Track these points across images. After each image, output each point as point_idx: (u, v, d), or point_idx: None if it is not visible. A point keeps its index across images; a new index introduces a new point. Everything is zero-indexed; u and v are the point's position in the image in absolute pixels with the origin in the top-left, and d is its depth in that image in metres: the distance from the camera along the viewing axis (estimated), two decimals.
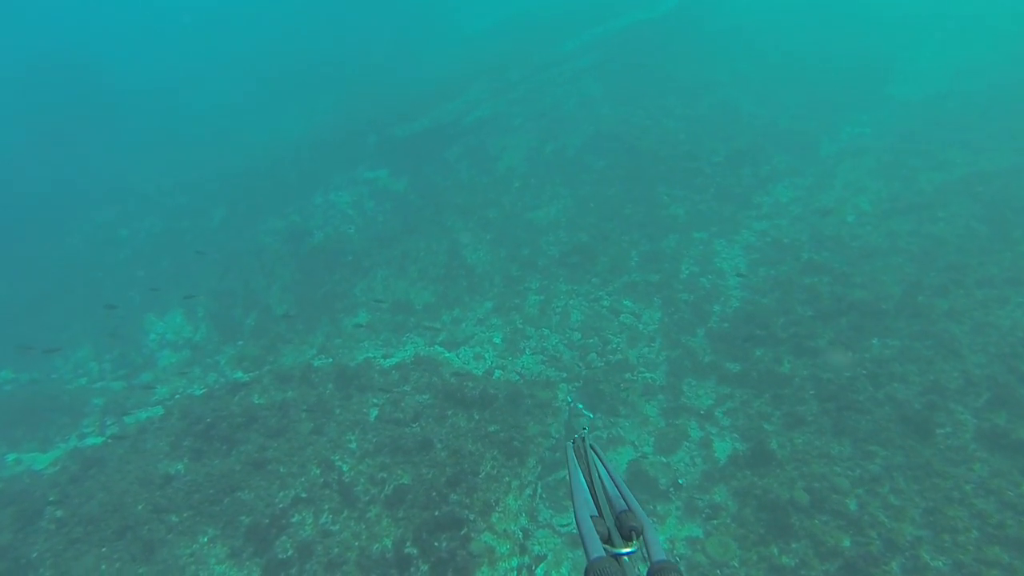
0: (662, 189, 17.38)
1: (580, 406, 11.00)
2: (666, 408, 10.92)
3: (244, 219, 20.96)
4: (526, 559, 8.51)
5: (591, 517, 2.69)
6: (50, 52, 37.76)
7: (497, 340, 13.07)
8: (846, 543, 7.87)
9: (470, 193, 19.32)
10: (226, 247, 19.39)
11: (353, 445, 10.15)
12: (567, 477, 3.70)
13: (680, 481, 9.45)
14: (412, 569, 7.98)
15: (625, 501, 2.90)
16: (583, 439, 3.46)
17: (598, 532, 2.58)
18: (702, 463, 9.75)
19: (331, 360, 13.09)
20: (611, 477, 3.19)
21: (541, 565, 8.45)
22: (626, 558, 2.51)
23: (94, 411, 13.02)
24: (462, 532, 8.41)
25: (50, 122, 30.72)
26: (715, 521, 8.75)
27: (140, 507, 9.29)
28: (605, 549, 2.48)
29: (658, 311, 13.26)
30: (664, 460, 9.84)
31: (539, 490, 9.51)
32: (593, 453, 3.36)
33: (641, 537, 2.57)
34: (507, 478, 9.35)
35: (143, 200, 23.10)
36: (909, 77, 21.95)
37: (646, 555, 2.49)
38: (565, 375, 11.72)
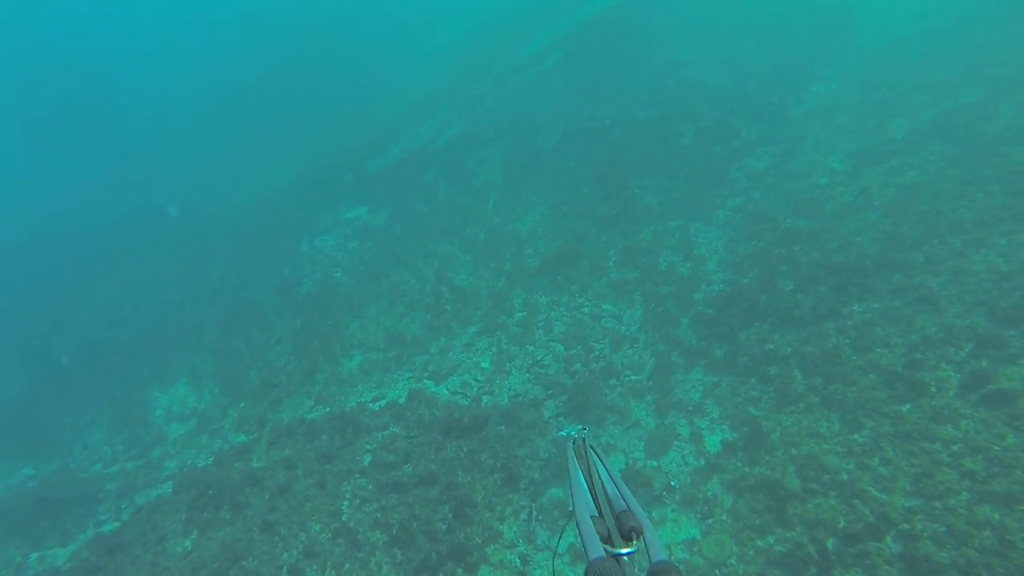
0: (634, 181, 17.27)
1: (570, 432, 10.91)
2: (655, 407, 10.85)
3: (240, 277, 21.33)
4: None
5: (591, 517, 2.72)
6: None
7: (484, 364, 13.11)
8: (841, 523, 7.75)
9: (450, 215, 19.44)
10: (226, 308, 19.77)
11: (349, 493, 10.27)
12: (567, 478, 3.71)
13: (673, 483, 9.38)
14: None
15: (625, 501, 2.94)
16: (583, 439, 3.50)
17: (598, 532, 2.62)
18: (693, 460, 9.66)
19: (327, 409, 13.26)
20: (611, 477, 3.24)
21: None
22: (626, 558, 2.54)
23: (108, 496, 13.35)
24: (459, 569, 8.47)
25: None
26: (711, 520, 8.68)
27: None
28: (605, 549, 2.50)
29: (639, 309, 13.18)
30: (655, 464, 9.78)
31: (534, 512, 9.52)
32: (593, 453, 3.41)
33: (641, 537, 2.59)
34: (499, 506, 9.40)
35: (142, 271, 23.69)
36: (872, 24, 21.46)
37: (647, 555, 2.52)
38: (551, 391, 11.71)
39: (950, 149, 13.21)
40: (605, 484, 3.10)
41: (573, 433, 3.55)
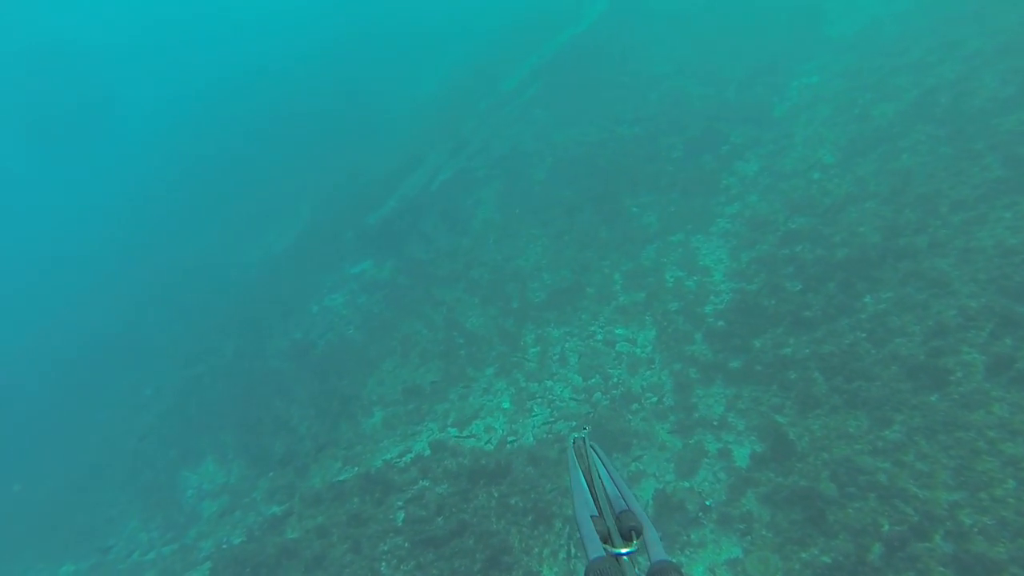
0: (629, 201, 17.39)
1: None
2: (679, 427, 10.71)
3: (254, 346, 21.50)
4: None
5: (591, 517, 2.70)
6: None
7: (506, 405, 13.05)
8: (884, 526, 7.55)
9: (452, 259, 19.59)
10: (242, 379, 19.91)
11: (387, 555, 10.17)
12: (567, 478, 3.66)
13: (708, 503, 9.21)
14: None
15: (625, 501, 2.90)
16: (583, 439, 3.46)
17: (598, 532, 2.59)
18: (725, 476, 9.50)
19: (356, 469, 13.21)
20: (611, 477, 3.18)
21: None
22: (626, 558, 2.50)
23: None
24: None
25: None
26: (750, 536, 8.49)
27: None
28: (605, 549, 2.48)
29: (652, 329, 13.11)
30: (687, 485, 9.61)
31: (572, 550, 9.36)
32: (593, 453, 3.36)
33: (641, 537, 2.57)
34: (537, 548, 9.26)
35: (158, 354, 23.99)
36: (842, 13, 21.68)
37: (646, 555, 2.50)
38: (574, 424, 11.61)
39: (938, 128, 13.19)
40: (605, 484, 3.06)
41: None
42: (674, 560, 2.37)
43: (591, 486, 3.06)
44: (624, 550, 2.53)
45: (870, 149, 13.97)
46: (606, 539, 2.60)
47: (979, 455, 7.52)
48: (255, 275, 25.58)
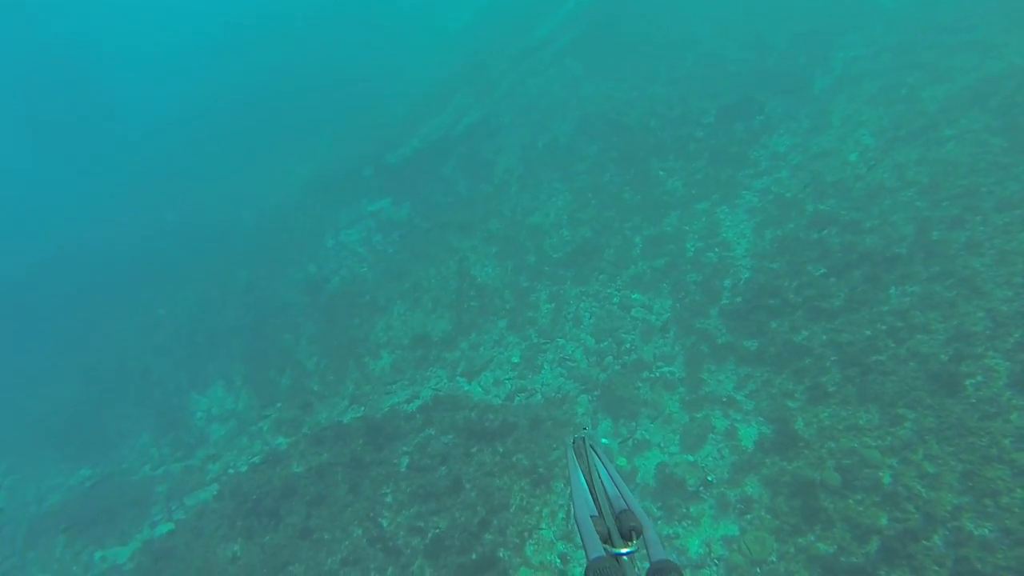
0: (656, 164, 16.95)
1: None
2: (688, 401, 10.74)
3: (267, 277, 21.58)
4: None
5: (591, 517, 2.74)
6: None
7: (515, 359, 13.12)
8: (883, 521, 7.62)
9: (470, 206, 19.36)
10: (254, 309, 20.08)
11: (389, 499, 10.45)
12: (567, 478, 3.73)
13: (709, 478, 9.32)
14: None
15: (625, 501, 2.94)
16: (583, 439, 3.49)
17: (598, 532, 2.63)
18: (730, 455, 9.57)
19: (362, 410, 13.44)
20: (611, 477, 3.22)
21: None
22: (626, 558, 2.55)
23: (159, 499, 13.85)
24: (500, 572, 8.58)
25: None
26: (749, 516, 8.62)
27: None
28: (605, 549, 2.52)
29: (668, 298, 13.00)
30: (691, 458, 9.72)
31: (572, 511, 9.57)
32: (593, 453, 3.39)
33: (641, 536, 2.60)
34: (537, 507, 9.47)
35: (172, 278, 24.20)
36: None
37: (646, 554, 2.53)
38: (583, 386, 11.68)
39: (992, 119, 12.61)
40: (605, 484, 3.09)
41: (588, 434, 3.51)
42: (674, 560, 2.36)
43: (591, 486, 3.07)
44: (624, 550, 2.54)
45: (914, 136, 13.41)
46: (606, 539, 2.60)
47: (990, 462, 7.50)
48: (272, 206, 25.42)
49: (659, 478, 9.57)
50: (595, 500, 2.96)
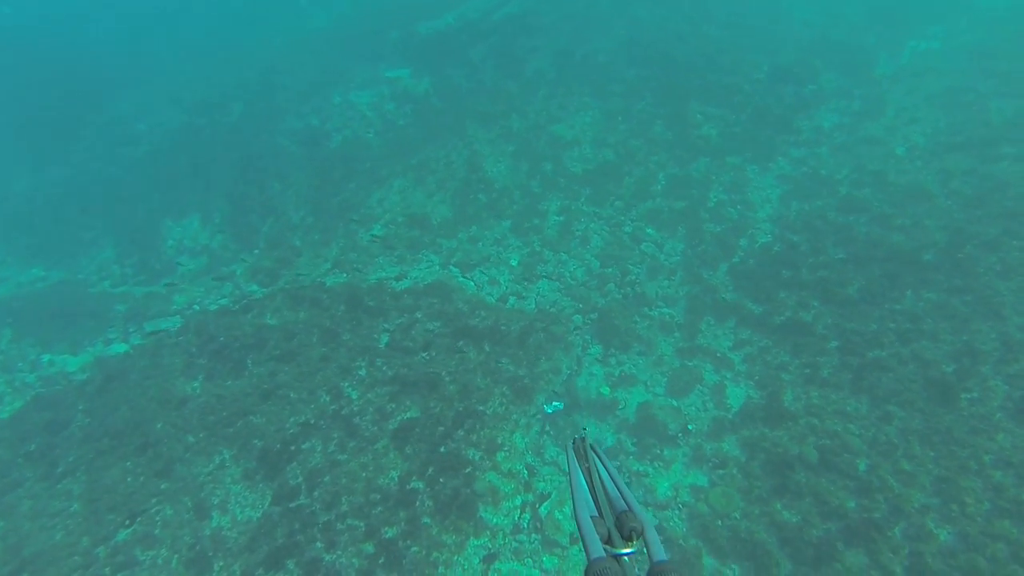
0: (695, 106, 16.07)
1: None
2: (681, 347, 10.66)
3: (263, 117, 20.12)
4: (530, 497, 8.67)
5: (591, 517, 2.71)
6: None
7: (514, 263, 12.71)
8: (851, 504, 7.82)
9: (493, 99, 18.16)
10: (243, 147, 18.79)
11: (363, 372, 10.19)
12: (567, 478, 3.83)
13: (690, 427, 9.38)
14: (417, 504, 8.19)
15: (625, 501, 2.90)
16: (583, 439, 3.47)
17: (598, 532, 2.60)
18: (714, 409, 9.62)
19: (345, 277, 12.93)
20: (611, 477, 3.18)
21: (545, 503, 8.59)
22: (626, 558, 2.54)
23: (117, 318, 13.26)
24: (467, 471, 8.55)
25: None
26: (721, 471, 8.75)
27: (159, 425, 9.62)
28: (605, 549, 2.49)
29: (681, 241, 12.65)
30: (675, 404, 9.73)
31: (547, 427, 9.55)
32: (593, 453, 3.36)
33: (641, 537, 2.59)
34: (515, 416, 9.37)
35: (160, 91, 22.30)
36: None
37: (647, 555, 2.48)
38: (580, 305, 11.42)
39: None
40: (605, 484, 3.08)
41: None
42: (674, 560, 2.22)
43: (591, 487, 3.08)
44: (625, 551, 2.54)
45: (970, 146, 12.96)
46: (607, 540, 2.59)
47: (967, 473, 7.70)
48: (283, 42, 23.32)
49: (640, 416, 9.58)
50: (595, 501, 2.95)
